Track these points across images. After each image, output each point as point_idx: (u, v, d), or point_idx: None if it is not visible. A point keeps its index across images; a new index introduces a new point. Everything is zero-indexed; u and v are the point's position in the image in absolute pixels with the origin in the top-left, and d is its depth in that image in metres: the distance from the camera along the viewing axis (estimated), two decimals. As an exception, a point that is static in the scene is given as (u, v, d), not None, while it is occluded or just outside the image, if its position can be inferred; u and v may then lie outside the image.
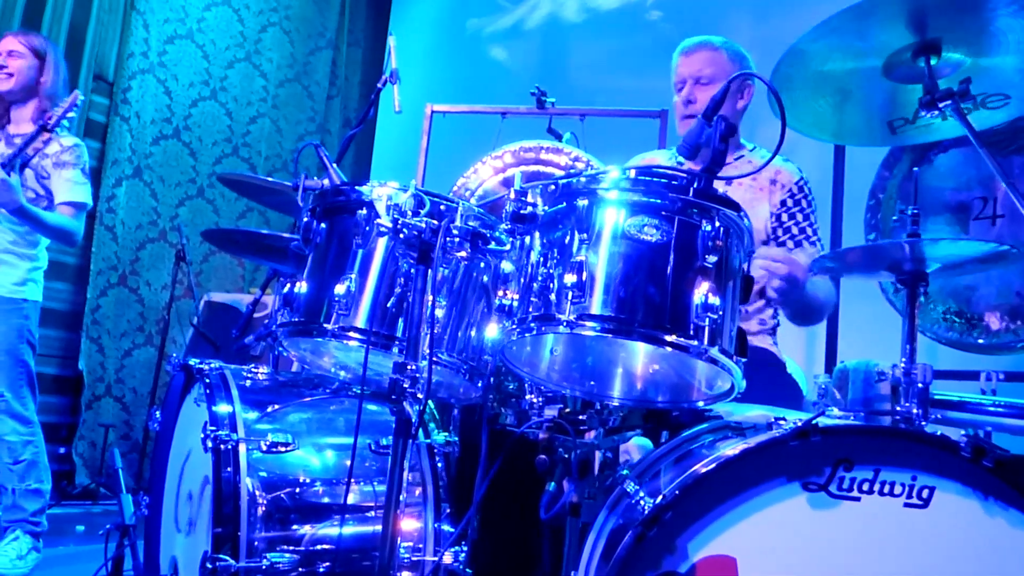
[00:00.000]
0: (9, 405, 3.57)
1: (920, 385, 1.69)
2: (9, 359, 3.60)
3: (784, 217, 2.72)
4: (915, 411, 1.67)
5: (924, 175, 3.57)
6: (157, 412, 2.57)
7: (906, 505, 1.49)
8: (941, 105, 1.90)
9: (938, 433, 1.53)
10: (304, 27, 7.11)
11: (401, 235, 1.74)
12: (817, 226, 2.76)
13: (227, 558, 1.95)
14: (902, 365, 1.72)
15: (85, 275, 5.74)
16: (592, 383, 1.87)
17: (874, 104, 2.10)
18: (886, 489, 1.49)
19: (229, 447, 2.06)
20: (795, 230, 2.71)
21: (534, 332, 1.65)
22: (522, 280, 1.68)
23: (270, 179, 2.86)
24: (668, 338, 1.53)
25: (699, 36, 2.82)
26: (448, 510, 2.22)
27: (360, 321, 1.82)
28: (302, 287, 1.91)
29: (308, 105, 7.15)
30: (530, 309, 1.62)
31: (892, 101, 2.06)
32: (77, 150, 3.76)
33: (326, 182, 2.42)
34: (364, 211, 1.84)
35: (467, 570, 2.08)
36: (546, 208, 1.67)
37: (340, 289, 1.81)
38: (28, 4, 5.33)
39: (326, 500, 2.16)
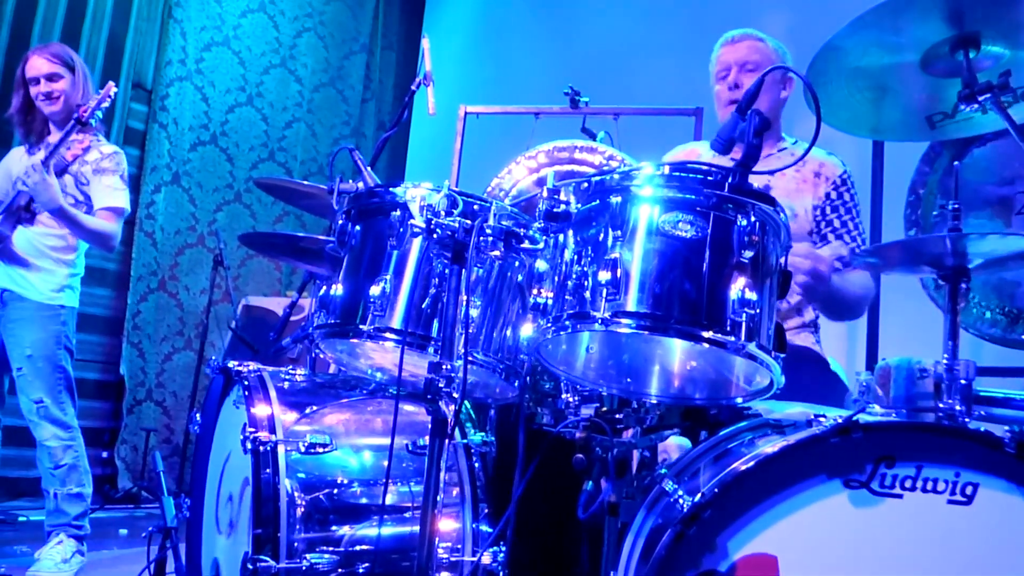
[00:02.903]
0: (48, 411, 3.60)
1: (963, 382, 1.66)
2: (48, 365, 3.63)
3: (828, 211, 2.72)
4: (958, 408, 1.64)
5: (965, 170, 3.52)
6: (197, 415, 2.59)
7: (949, 502, 1.47)
8: (980, 99, 1.86)
9: (982, 429, 1.51)
10: (338, 32, 7.16)
11: (435, 235, 1.74)
12: (860, 220, 2.76)
13: (267, 559, 1.96)
14: (944, 362, 1.70)
15: (125, 281, 5.82)
16: (629, 381, 1.86)
17: (912, 99, 2.07)
18: (929, 486, 1.47)
19: (268, 448, 2.07)
20: (837, 223, 2.71)
21: (569, 330, 1.64)
22: (556, 278, 1.68)
23: (306, 183, 2.87)
24: (705, 334, 1.51)
25: (741, 29, 2.84)
26: (486, 510, 2.22)
27: (395, 322, 1.83)
28: (338, 289, 1.92)
29: (343, 109, 7.20)
30: (565, 307, 1.62)
31: (930, 95, 2.03)
32: (117, 157, 3.79)
33: (360, 185, 2.43)
34: (398, 212, 1.85)
35: (505, 570, 2.08)
36: (579, 206, 1.67)
37: (375, 290, 1.82)
38: (68, 15, 5.41)
39: (364, 501, 2.16)
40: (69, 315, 3.75)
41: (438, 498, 1.71)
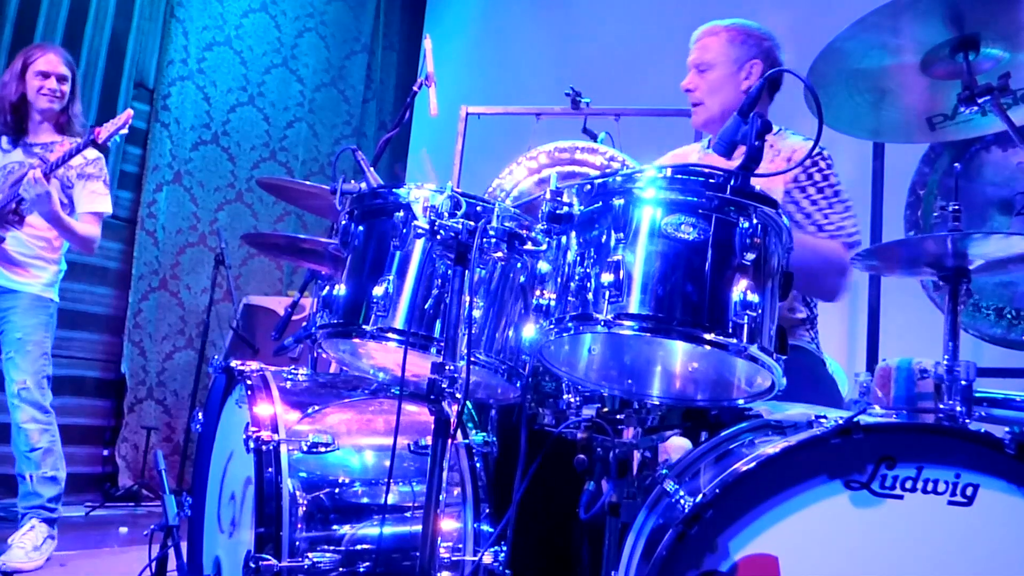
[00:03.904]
0: (31, 393, 3.71)
1: (963, 382, 1.67)
2: (36, 349, 3.75)
3: (796, 192, 2.57)
4: (959, 408, 1.65)
5: (965, 171, 3.53)
6: (199, 414, 2.60)
7: (950, 503, 1.48)
8: (980, 101, 1.87)
9: (982, 430, 1.51)
10: (339, 32, 7.16)
11: (438, 236, 1.75)
12: (837, 201, 2.57)
13: (270, 557, 1.97)
14: (945, 362, 1.70)
15: (127, 280, 5.82)
16: (630, 382, 1.87)
17: (912, 101, 2.07)
18: (929, 487, 1.48)
19: (271, 448, 2.08)
20: (806, 203, 2.56)
21: (572, 332, 1.65)
22: (559, 280, 1.68)
23: (307, 183, 2.88)
24: (707, 336, 1.52)
25: (708, 23, 2.82)
26: (487, 510, 2.23)
27: (398, 322, 1.83)
28: (340, 289, 1.92)
29: (344, 109, 7.20)
30: (567, 309, 1.62)
31: (930, 97, 2.04)
32: (99, 162, 3.94)
33: (363, 185, 2.44)
34: (401, 213, 1.85)
35: (507, 570, 2.09)
36: (582, 208, 1.67)
37: (378, 291, 1.82)
38: (71, 14, 5.41)
39: (366, 500, 2.17)
40: (55, 309, 3.90)
41: (440, 498, 1.72)
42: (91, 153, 3.86)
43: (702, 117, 2.75)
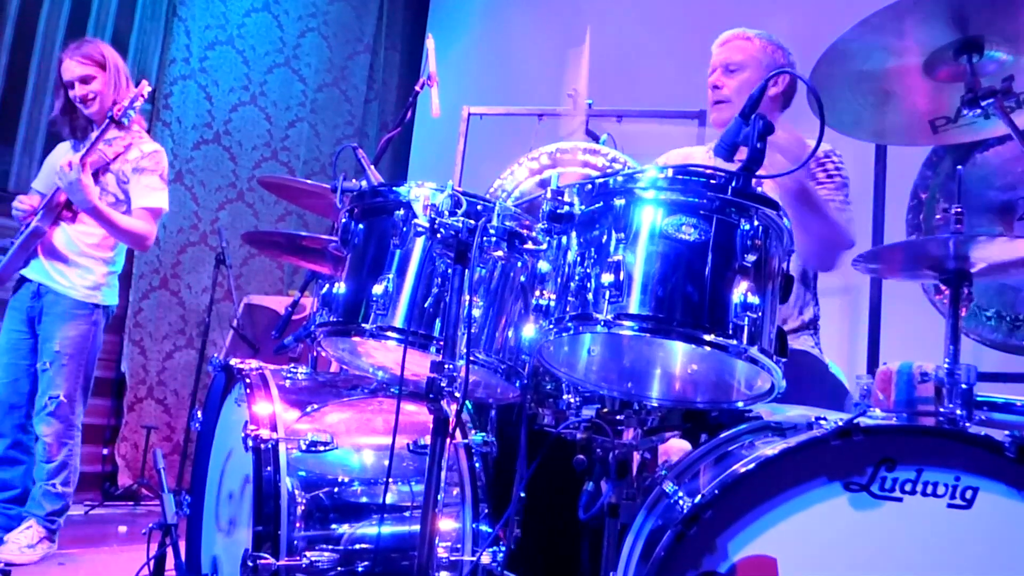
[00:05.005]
0: (61, 408, 3.63)
1: (964, 386, 1.66)
2: (73, 364, 3.66)
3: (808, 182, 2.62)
4: (959, 412, 1.64)
5: (967, 174, 3.51)
6: (199, 412, 2.60)
7: (949, 506, 1.47)
8: (983, 103, 1.87)
9: (982, 433, 1.51)
10: (342, 32, 7.17)
11: (438, 235, 1.74)
12: (839, 186, 2.68)
13: (267, 556, 1.97)
14: (946, 366, 1.70)
15: (127, 279, 5.82)
16: (630, 383, 1.86)
17: (915, 103, 2.07)
18: (929, 489, 1.47)
19: (269, 446, 2.08)
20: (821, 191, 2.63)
21: (571, 332, 1.64)
22: (559, 280, 1.68)
23: (308, 182, 2.87)
24: (707, 337, 1.51)
25: (735, 29, 2.84)
26: (486, 510, 2.23)
27: (398, 321, 1.82)
28: (340, 287, 1.92)
29: (346, 109, 7.20)
30: (567, 309, 1.62)
31: (933, 100, 2.04)
32: (156, 155, 3.84)
33: (364, 183, 2.43)
34: (401, 211, 1.85)
35: (505, 571, 2.08)
36: (583, 207, 1.67)
37: (378, 289, 1.82)
38: (72, 13, 5.43)
39: (364, 499, 2.17)
40: (102, 314, 3.80)
41: (439, 497, 1.71)
42: (148, 146, 3.82)
43: (727, 114, 2.73)
